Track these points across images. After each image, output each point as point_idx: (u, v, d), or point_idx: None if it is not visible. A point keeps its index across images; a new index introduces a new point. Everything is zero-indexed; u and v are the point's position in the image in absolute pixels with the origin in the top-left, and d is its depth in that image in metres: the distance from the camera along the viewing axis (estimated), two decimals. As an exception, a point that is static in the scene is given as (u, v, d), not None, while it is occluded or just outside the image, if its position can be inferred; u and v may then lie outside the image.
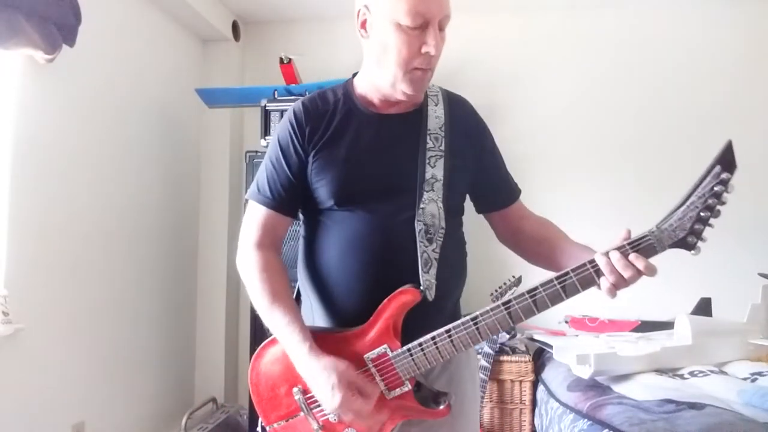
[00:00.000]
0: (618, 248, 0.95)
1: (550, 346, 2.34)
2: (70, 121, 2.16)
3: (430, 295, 1.05)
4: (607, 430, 1.63)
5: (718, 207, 0.93)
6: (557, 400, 2.04)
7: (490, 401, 2.48)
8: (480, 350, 2.44)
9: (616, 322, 2.59)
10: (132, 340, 2.57)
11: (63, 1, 1.90)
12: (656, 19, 3.05)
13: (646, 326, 2.51)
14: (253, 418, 2.62)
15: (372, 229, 1.08)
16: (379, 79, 1.10)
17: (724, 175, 0.91)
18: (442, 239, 1.09)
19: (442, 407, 1.05)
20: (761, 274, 2.39)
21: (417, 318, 1.04)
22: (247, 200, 1.19)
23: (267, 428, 1.12)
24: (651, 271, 0.94)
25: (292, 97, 2.71)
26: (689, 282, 2.82)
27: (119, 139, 2.48)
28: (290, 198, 1.13)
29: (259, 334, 2.60)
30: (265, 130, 2.66)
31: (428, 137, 1.12)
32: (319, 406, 1.06)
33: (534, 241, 1.20)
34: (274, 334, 1.08)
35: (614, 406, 1.75)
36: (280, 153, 1.13)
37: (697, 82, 3.01)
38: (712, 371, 2.00)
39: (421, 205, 1.08)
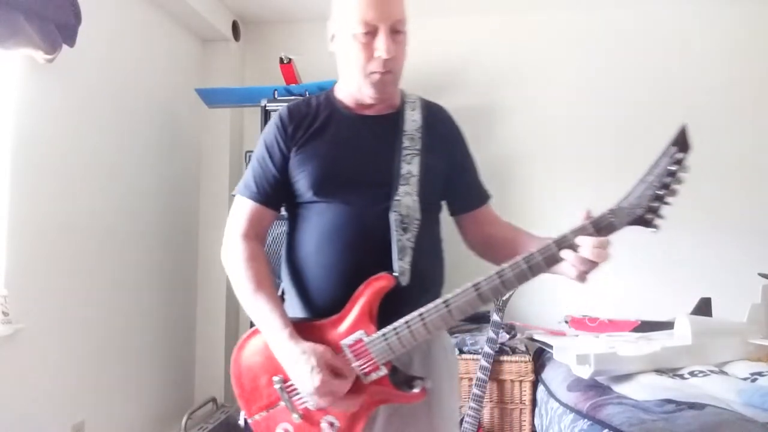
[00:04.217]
0: (581, 229, 0.99)
1: (550, 346, 2.34)
2: (70, 121, 2.16)
3: (404, 281, 1.08)
4: (607, 430, 1.63)
5: (674, 186, 0.97)
6: (557, 400, 2.04)
7: (490, 401, 2.47)
8: (480, 350, 2.44)
9: (616, 322, 2.59)
10: (132, 340, 2.57)
11: (63, 1, 1.89)
12: (657, 19, 3.05)
13: (646, 326, 2.51)
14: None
15: (348, 220, 1.12)
16: (349, 86, 1.19)
17: (678, 156, 0.96)
18: (417, 229, 1.12)
19: (416, 390, 1.06)
20: (761, 274, 2.39)
21: (394, 305, 1.06)
22: (233, 197, 1.24)
23: (249, 420, 1.14)
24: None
25: (292, 97, 2.71)
26: (689, 282, 2.83)
27: (119, 139, 2.48)
28: (274, 192, 1.19)
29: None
30: (265, 130, 2.66)
31: (404, 137, 1.18)
32: (298, 394, 1.08)
33: (500, 243, 1.23)
34: (255, 322, 1.12)
35: (614, 406, 1.75)
36: (265, 152, 1.20)
37: (698, 81, 3.01)
38: (712, 371, 2.00)
39: (396, 197, 1.12)
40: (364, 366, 1.06)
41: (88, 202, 2.27)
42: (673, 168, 0.96)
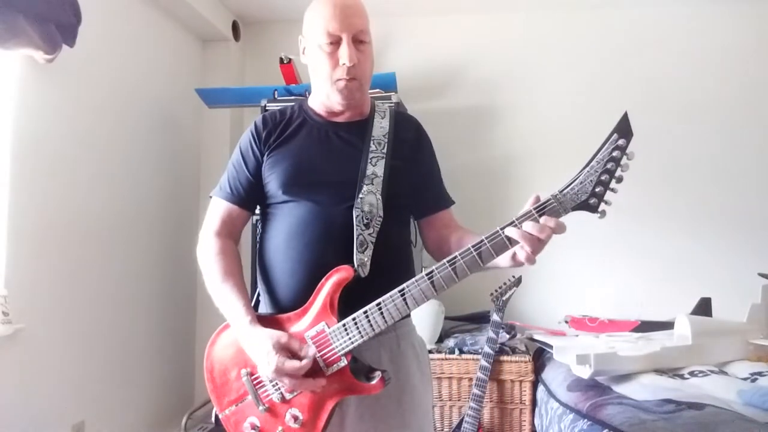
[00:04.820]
0: (526, 215, 1.01)
1: (550, 346, 2.34)
2: (69, 122, 2.16)
3: (363, 272, 1.13)
4: (607, 430, 1.63)
5: (619, 172, 1.00)
6: (557, 400, 2.04)
7: (490, 401, 2.47)
8: (480, 350, 2.44)
9: (616, 322, 2.59)
10: (132, 340, 2.57)
11: (63, 1, 1.90)
12: (656, 20, 3.06)
13: (646, 326, 2.51)
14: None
15: (314, 217, 1.18)
16: (319, 95, 1.26)
17: (620, 142, 1.00)
18: (379, 225, 1.17)
19: (374, 382, 1.08)
20: (761, 274, 2.39)
21: (357, 296, 1.10)
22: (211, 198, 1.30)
23: (220, 416, 1.19)
24: (561, 227, 1.00)
25: (292, 97, 2.71)
26: (689, 282, 2.83)
27: (119, 139, 2.48)
28: (247, 194, 1.26)
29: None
30: (265, 130, 2.66)
31: (372, 142, 1.24)
32: (264, 386, 1.13)
33: (451, 243, 1.26)
34: (222, 312, 1.18)
35: (614, 406, 1.75)
36: (240, 156, 1.28)
37: (696, 81, 3.01)
38: (712, 371, 2.00)
39: (360, 195, 1.17)
40: (326, 356, 1.09)
41: (88, 202, 2.27)
42: (616, 154, 1.00)
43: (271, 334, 1.08)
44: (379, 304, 1.07)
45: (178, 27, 2.98)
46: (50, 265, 2.07)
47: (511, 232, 1.00)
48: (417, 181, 1.30)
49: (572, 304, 2.85)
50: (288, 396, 1.12)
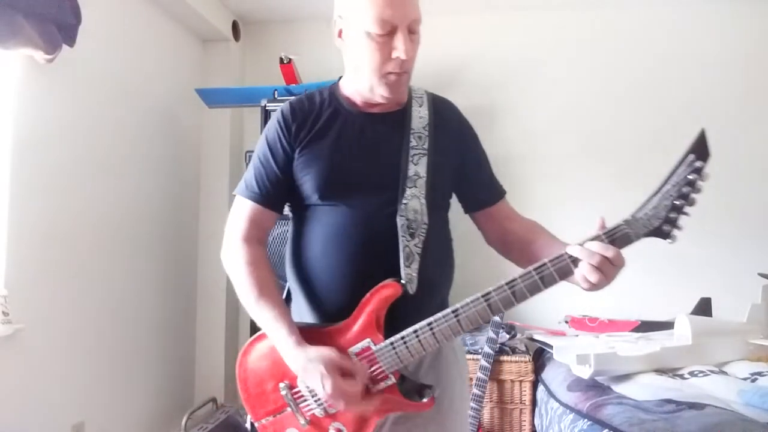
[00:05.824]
0: (594, 238, 0.96)
1: (550, 346, 2.34)
2: (69, 122, 2.16)
3: (411, 289, 1.06)
4: (607, 430, 1.63)
5: (693, 195, 0.94)
6: (557, 400, 2.04)
7: (490, 401, 2.47)
8: (480, 350, 2.44)
9: (616, 322, 2.59)
10: (132, 340, 2.57)
11: (63, 1, 1.89)
12: (657, 19, 3.05)
13: (646, 326, 2.51)
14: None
15: (354, 224, 1.09)
16: (359, 85, 1.14)
17: (697, 164, 0.93)
18: (425, 234, 1.10)
19: (425, 399, 1.05)
20: (761, 274, 2.39)
21: (401, 312, 1.05)
22: (234, 197, 1.20)
23: (256, 424, 1.14)
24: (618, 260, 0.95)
25: (292, 97, 2.71)
26: (689, 282, 2.83)
27: (119, 139, 2.48)
28: (277, 193, 1.16)
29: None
30: (265, 130, 2.66)
31: (412, 136, 1.15)
32: (305, 400, 1.07)
33: (523, 243, 1.20)
34: (261, 328, 1.10)
35: (614, 406, 1.75)
36: (267, 150, 1.16)
37: (696, 81, 3.00)
38: (712, 371, 2.00)
39: (404, 201, 1.09)
40: (373, 374, 1.04)
41: (88, 202, 2.27)
42: (692, 177, 0.93)
43: (321, 356, 1.01)
44: (431, 324, 1.01)
45: (178, 27, 2.98)
46: (50, 265, 2.07)
47: (573, 250, 0.96)
48: (466, 175, 1.22)
49: (572, 304, 2.85)
50: (331, 410, 1.06)
